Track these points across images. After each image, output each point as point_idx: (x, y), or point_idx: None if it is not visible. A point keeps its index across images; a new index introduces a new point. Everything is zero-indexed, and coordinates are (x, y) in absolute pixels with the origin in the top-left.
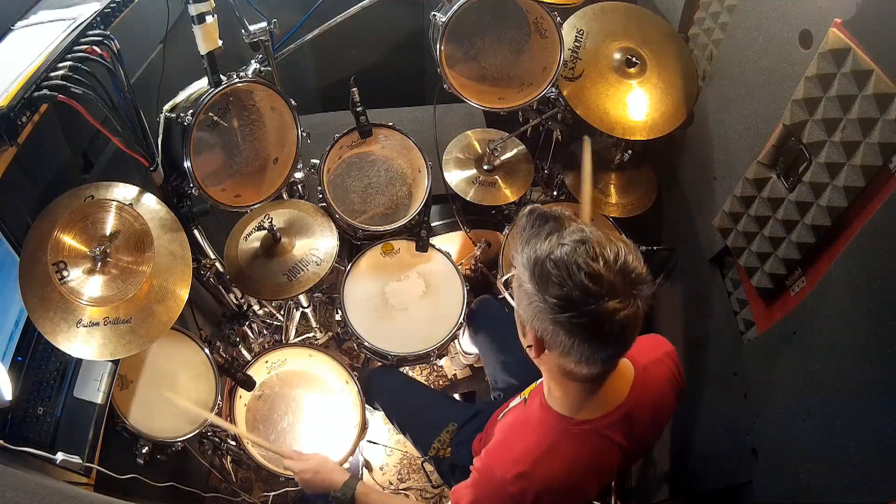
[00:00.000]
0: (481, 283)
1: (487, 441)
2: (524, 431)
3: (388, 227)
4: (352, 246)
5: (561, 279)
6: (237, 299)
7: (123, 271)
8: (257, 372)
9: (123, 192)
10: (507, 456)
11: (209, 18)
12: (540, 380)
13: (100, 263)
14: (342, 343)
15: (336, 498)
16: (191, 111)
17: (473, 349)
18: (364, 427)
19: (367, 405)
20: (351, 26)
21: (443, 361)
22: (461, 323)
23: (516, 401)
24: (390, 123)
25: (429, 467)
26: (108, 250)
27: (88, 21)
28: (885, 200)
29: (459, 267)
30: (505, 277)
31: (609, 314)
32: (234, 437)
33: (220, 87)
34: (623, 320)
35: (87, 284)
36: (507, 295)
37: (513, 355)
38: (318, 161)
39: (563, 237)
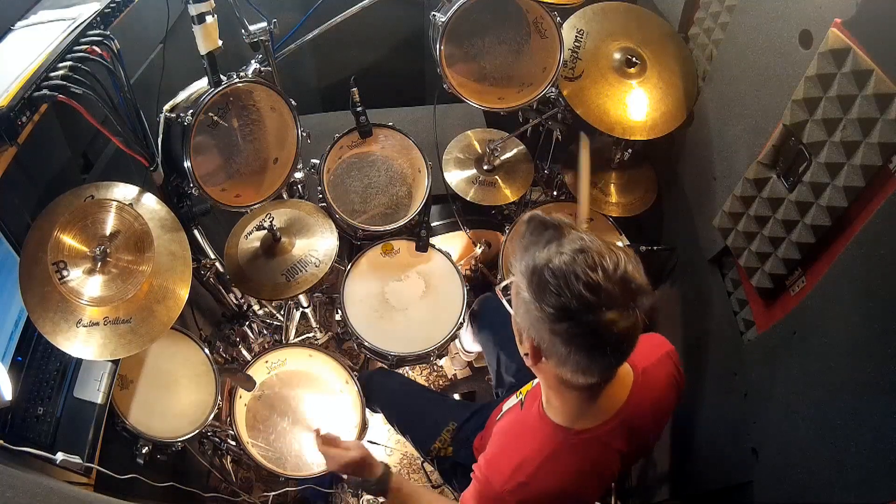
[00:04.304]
0: (481, 283)
1: (488, 440)
2: (522, 440)
3: (388, 227)
4: (352, 246)
5: (559, 288)
6: (237, 299)
7: (123, 271)
8: (257, 372)
9: (123, 192)
10: (506, 466)
11: (209, 18)
12: (537, 380)
13: (100, 263)
14: (342, 343)
15: (371, 485)
16: (191, 111)
17: (474, 348)
18: (364, 427)
19: (366, 408)
20: (351, 26)
21: (443, 361)
22: (461, 323)
23: (513, 400)
24: (390, 123)
25: (429, 467)
26: (108, 250)
27: (88, 21)
28: (885, 200)
29: (459, 267)
30: (503, 284)
31: (607, 325)
32: (235, 437)
33: (220, 87)
34: (621, 331)
35: (87, 284)
36: (504, 301)
37: (515, 353)
38: (318, 161)
39: (563, 246)
